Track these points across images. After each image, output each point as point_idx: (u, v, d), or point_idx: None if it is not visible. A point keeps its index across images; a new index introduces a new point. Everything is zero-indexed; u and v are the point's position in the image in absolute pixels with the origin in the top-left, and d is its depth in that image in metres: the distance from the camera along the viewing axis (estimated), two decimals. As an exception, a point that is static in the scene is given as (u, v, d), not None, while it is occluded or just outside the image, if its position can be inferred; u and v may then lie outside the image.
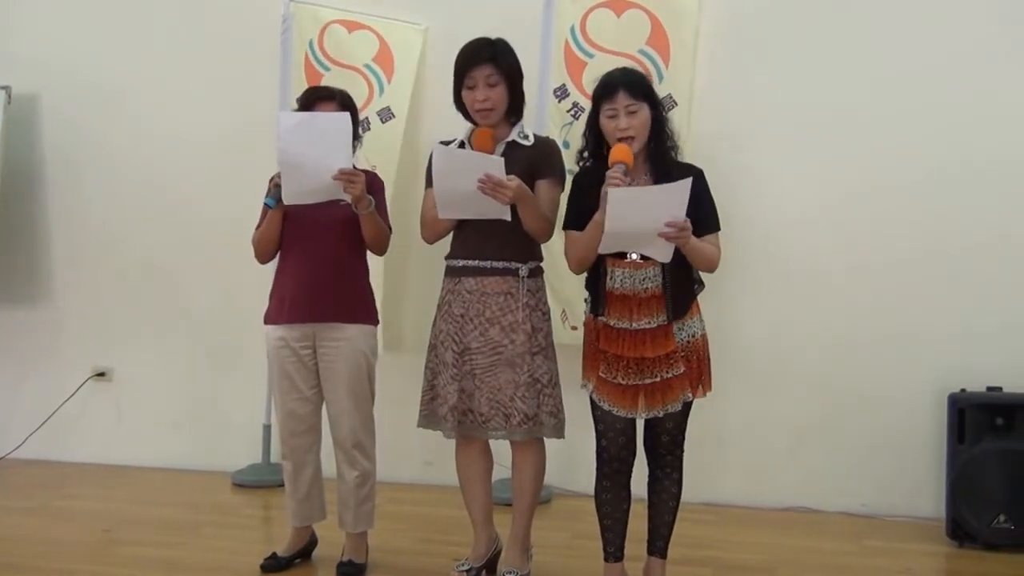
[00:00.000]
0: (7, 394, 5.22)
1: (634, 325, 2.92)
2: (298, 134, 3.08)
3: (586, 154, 3.05)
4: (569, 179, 3.25)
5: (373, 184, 3.34)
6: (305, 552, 3.57)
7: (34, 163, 5.18)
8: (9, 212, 5.04)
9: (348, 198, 3.18)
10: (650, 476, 3.11)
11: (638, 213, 2.74)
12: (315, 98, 3.38)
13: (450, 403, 3.18)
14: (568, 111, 4.30)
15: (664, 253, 2.84)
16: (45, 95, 5.14)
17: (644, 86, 2.96)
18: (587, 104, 4.19)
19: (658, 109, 2.97)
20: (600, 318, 2.98)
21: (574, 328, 4.17)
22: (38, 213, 5.19)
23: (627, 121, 2.89)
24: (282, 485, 3.57)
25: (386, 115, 4.55)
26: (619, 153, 2.84)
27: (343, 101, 3.38)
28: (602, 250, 2.87)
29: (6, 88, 4.97)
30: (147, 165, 5.04)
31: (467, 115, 3.22)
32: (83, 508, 4.34)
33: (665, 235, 2.76)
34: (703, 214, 2.90)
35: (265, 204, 3.30)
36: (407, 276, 4.62)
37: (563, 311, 4.18)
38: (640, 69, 3.05)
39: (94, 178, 5.12)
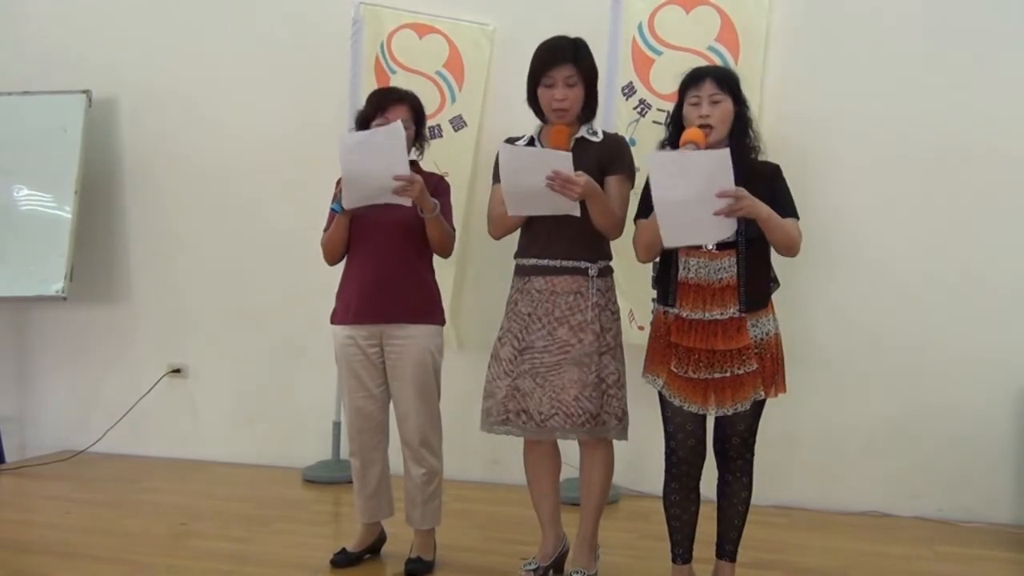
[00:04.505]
0: (87, 390, 5.38)
1: (707, 316, 2.87)
2: (358, 152, 3.18)
3: (667, 146, 2.98)
4: (638, 176, 3.22)
5: (438, 188, 3.38)
6: (374, 548, 3.60)
7: (112, 165, 5.32)
8: (88, 212, 5.16)
9: (407, 202, 3.23)
10: (719, 479, 3.07)
11: (683, 181, 2.66)
12: (387, 102, 3.41)
13: (497, 398, 3.17)
14: (635, 108, 4.28)
15: (726, 227, 2.75)
16: (123, 99, 5.28)
17: (732, 81, 2.92)
18: (654, 101, 4.25)
19: (742, 107, 2.93)
20: (671, 310, 2.95)
21: (641, 328, 4.17)
22: (116, 213, 5.33)
23: (709, 109, 2.86)
24: (352, 481, 3.61)
25: (458, 123, 4.57)
26: (691, 134, 2.79)
27: (413, 104, 3.43)
28: (667, 244, 2.81)
29: (87, 92, 5.11)
30: (220, 167, 5.14)
31: (539, 112, 3.21)
32: (159, 501, 4.44)
33: (720, 212, 2.69)
34: (781, 203, 2.85)
35: (332, 209, 3.41)
36: (477, 276, 4.64)
37: (630, 311, 4.16)
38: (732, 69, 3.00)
39: (169, 180, 5.23)
